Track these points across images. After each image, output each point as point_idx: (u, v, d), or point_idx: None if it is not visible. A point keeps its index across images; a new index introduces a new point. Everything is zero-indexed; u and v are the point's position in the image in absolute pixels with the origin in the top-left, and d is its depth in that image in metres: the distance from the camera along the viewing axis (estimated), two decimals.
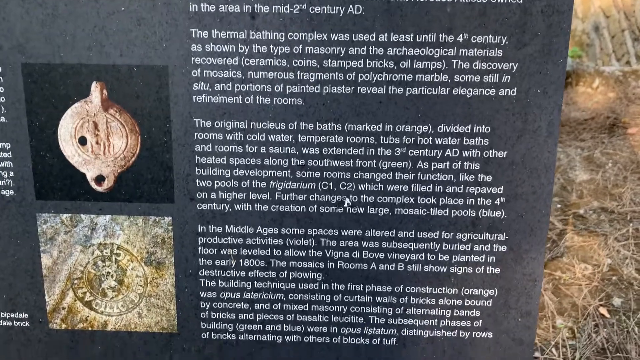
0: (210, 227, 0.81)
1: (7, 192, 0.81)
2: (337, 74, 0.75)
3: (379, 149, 0.77)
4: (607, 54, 4.77)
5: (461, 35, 0.73)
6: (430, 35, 0.73)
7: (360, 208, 0.80)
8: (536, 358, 1.92)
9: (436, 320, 0.83)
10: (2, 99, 0.77)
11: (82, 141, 0.79)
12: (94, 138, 0.78)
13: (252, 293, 0.83)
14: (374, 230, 0.81)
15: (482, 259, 0.81)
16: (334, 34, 0.74)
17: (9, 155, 0.79)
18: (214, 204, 0.80)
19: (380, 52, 0.74)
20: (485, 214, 0.79)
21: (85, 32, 0.75)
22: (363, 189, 0.79)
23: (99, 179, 0.80)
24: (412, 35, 0.73)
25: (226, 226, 0.81)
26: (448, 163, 0.78)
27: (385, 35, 0.73)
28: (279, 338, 0.85)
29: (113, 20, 0.74)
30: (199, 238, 0.81)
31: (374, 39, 0.73)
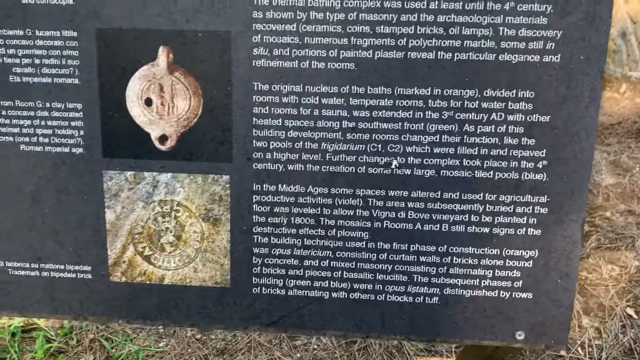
0: (264, 185, 0.86)
1: (77, 150, 0.87)
2: (388, 39, 0.80)
3: (426, 112, 0.82)
4: (635, 60, 4.75)
5: (508, 3, 0.77)
6: (478, 3, 0.78)
7: (407, 169, 0.84)
8: (562, 357, 1.92)
9: (478, 280, 0.87)
10: (77, 62, 0.84)
11: (148, 102, 0.84)
12: (159, 99, 0.84)
13: (302, 250, 0.88)
14: (419, 192, 0.85)
15: (523, 220, 0.84)
16: (387, 1, 0.78)
17: (81, 115, 0.86)
18: (269, 164, 0.85)
19: (431, 19, 0.78)
20: (527, 176, 0.83)
21: None
22: (410, 151, 0.83)
23: (163, 139, 0.85)
24: (461, 3, 0.78)
25: (279, 185, 0.86)
26: (493, 127, 0.81)
27: (436, 2, 0.78)
28: (326, 294, 0.89)
29: None
30: (254, 196, 0.86)
31: (425, 6, 0.78)
